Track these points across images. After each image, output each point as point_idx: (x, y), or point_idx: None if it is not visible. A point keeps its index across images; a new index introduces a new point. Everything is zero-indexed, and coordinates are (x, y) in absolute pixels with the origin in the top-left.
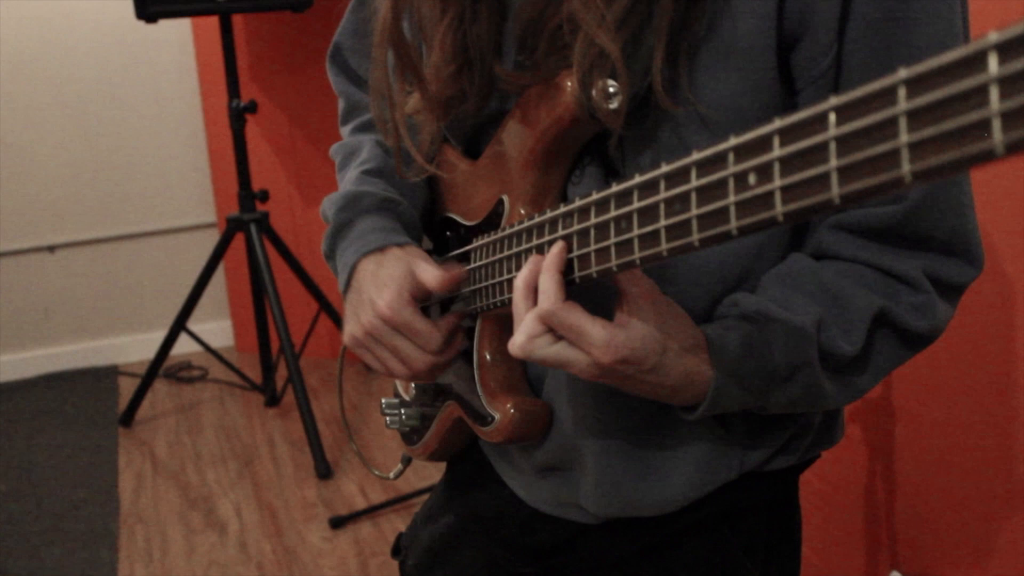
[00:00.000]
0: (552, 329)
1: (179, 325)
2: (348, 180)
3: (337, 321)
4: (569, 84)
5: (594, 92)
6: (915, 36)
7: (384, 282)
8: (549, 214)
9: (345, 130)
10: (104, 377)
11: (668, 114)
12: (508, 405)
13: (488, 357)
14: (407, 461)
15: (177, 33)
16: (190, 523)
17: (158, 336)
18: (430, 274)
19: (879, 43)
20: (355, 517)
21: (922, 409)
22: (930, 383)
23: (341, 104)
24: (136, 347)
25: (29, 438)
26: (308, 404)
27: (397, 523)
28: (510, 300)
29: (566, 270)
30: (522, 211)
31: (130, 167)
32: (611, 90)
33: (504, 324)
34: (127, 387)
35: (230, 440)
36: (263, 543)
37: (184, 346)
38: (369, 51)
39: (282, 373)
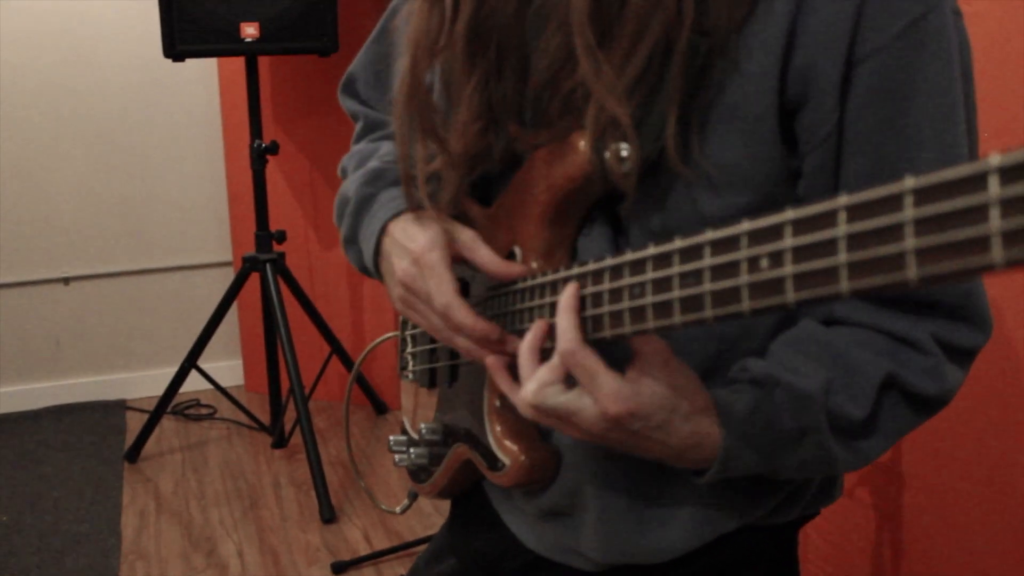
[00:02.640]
0: (561, 381)
1: (190, 362)
2: (367, 170)
3: (347, 364)
4: (582, 144)
5: (607, 155)
6: (915, 109)
7: (418, 233)
8: (562, 272)
9: (360, 143)
10: (112, 411)
11: (676, 176)
12: (518, 451)
13: (498, 403)
14: (413, 497)
15: (202, 72)
16: (191, 562)
17: (168, 372)
18: (486, 254)
19: (882, 112)
20: (358, 563)
21: (930, 475)
22: (939, 448)
23: (358, 124)
24: (145, 383)
25: (34, 470)
26: (315, 447)
27: (400, 570)
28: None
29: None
30: (534, 264)
31: (149, 203)
32: (623, 154)
33: (515, 372)
34: (135, 422)
35: (235, 480)
36: None
37: (193, 384)
38: (382, 83)
39: (290, 415)
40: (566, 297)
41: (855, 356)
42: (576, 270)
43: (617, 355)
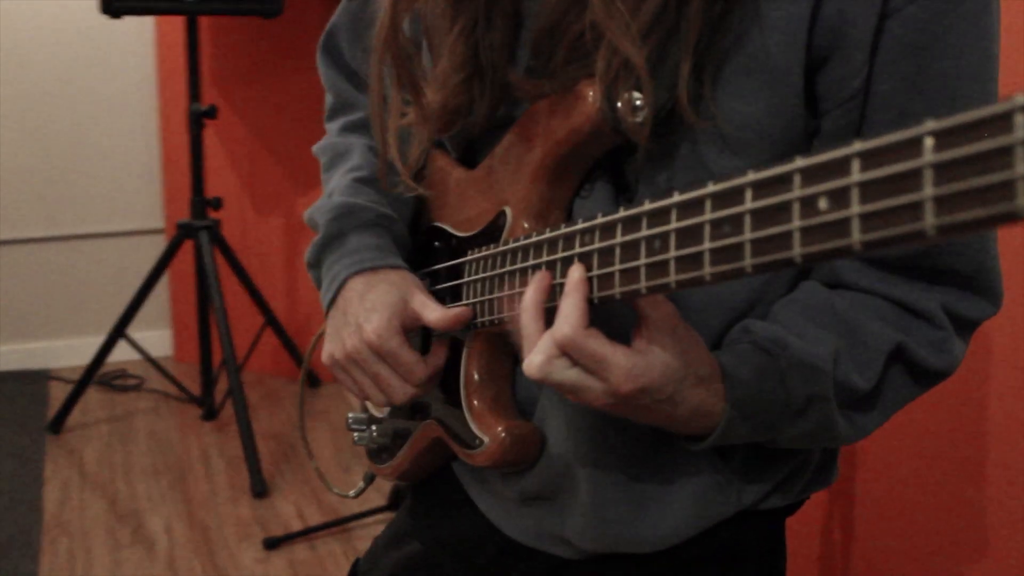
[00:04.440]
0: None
1: (118, 331)
2: (339, 187)
3: (282, 336)
4: (591, 94)
5: (619, 104)
6: (947, 65)
7: (374, 306)
8: (564, 229)
9: (332, 126)
10: (35, 381)
11: (687, 131)
12: (499, 428)
13: (476, 376)
14: (370, 479)
15: (138, 31)
16: (117, 537)
17: (95, 342)
18: (434, 312)
19: (911, 68)
20: (291, 539)
21: (888, 455)
22: (895, 428)
23: (329, 99)
24: (71, 352)
25: None
26: (248, 419)
27: (334, 546)
28: (511, 317)
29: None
30: (525, 224)
31: (78, 166)
32: (637, 103)
33: (495, 342)
34: (59, 392)
35: (163, 453)
36: (193, 562)
37: (120, 354)
38: (365, 43)
39: (221, 387)
40: (574, 281)
41: (863, 324)
42: (580, 225)
43: (614, 318)
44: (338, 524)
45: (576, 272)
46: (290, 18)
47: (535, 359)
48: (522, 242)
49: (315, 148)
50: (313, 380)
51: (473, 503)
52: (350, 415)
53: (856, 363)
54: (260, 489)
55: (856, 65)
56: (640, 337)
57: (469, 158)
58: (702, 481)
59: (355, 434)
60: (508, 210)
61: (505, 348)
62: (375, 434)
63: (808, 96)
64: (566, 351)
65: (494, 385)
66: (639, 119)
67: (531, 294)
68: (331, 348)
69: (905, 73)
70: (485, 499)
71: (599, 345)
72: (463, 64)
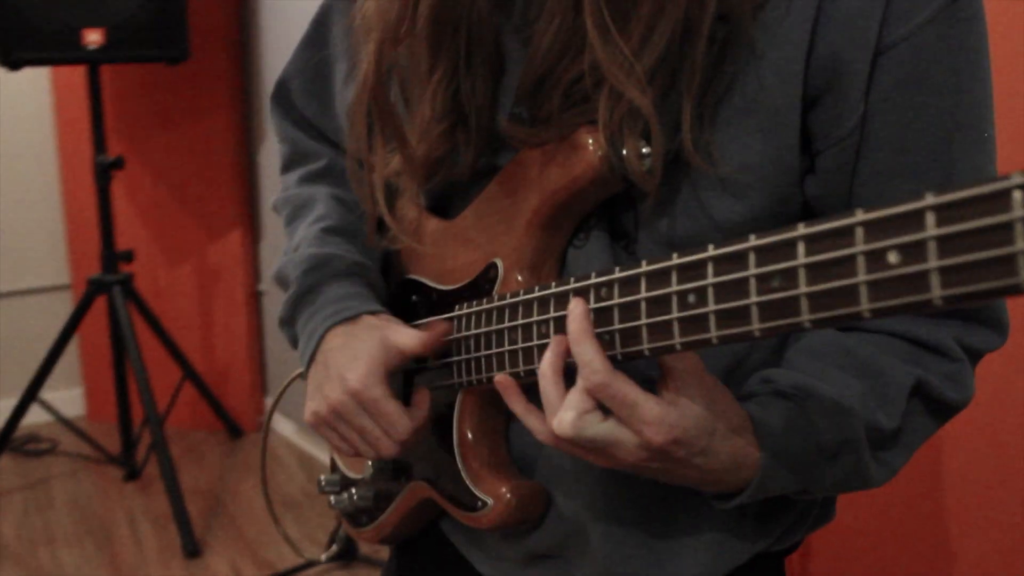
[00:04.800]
0: (597, 407)
1: (31, 394)
2: (306, 239)
3: (201, 388)
4: (591, 142)
5: (625, 151)
6: (944, 101)
7: (356, 355)
8: (574, 283)
9: (290, 178)
10: None
11: (685, 176)
12: (503, 490)
13: (470, 435)
14: (343, 542)
15: (32, 82)
16: None
17: (2, 406)
18: (408, 336)
19: (905, 105)
20: None
21: None
22: None
23: (284, 150)
24: None
25: None
26: (175, 477)
27: None
28: (516, 375)
29: (607, 346)
30: (519, 277)
31: None
32: (644, 150)
33: (489, 399)
34: None
35: (86, 518)
36: None
37: (28, 417)
38: (320, 93)
39: (140, 445)
40: (577, 320)
41: (881, 363)
42: (594, 279)
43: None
44: None
45: (576, 311)
46: (195, 63)
47: (566, 416)
48: (523, 297)
49: (274, 202)
50: (235, 430)
51: (467, 562)
52: (322, 477)
53: (880, 403)
54: (192, 549)
55: (851, 104)
56: (667, 389)
57: (441, 208)
58: (718, 530)
59: (331, 497)
60: (499, 262)
61: (498, 404)
62: (356, 497)
63: (803, 136)
64: (598, 397)
65: (489, 443)
66: (647, 166)
67: (551, 358)
68: (314, 406)
69: (900, 110)
70: (480, 559)
71: (631, 390)
72: (445, 112)
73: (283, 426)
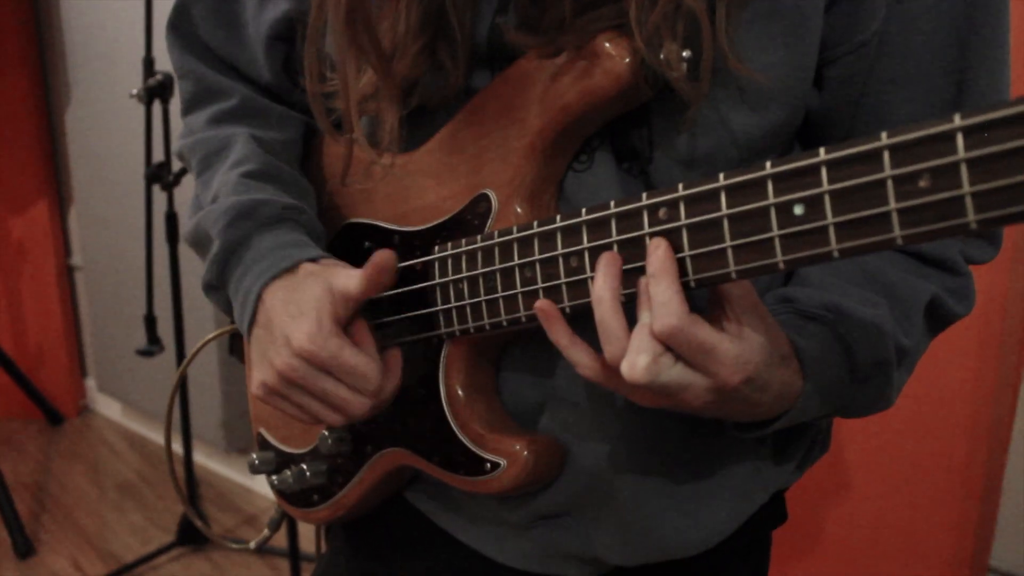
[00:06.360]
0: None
1: None
2: (224, 185)
3: (12, 372)
4: (620, 48)
5: (663, 55)
6: (984, 34)
7: (300, 310)
8: (615, 208)
9: (196, 119)
10: None
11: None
12: (517, 447)
13: (461, 392)
14: (276, 525)
15: None
16: None
17: None
18: (354, 277)
19: (929, 26)
20: None
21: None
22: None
23: (187, 87)
24: None
25: None
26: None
27: None
28: (527, 317)
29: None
30: (519, 209)
31: None
32: (685, 54)
33: (479, 350)
34: None
35: None
36: None
37: None
38: (228, 18)
39: None
40: (662, 260)
41: (896, 280)
42: (646, 200)
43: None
44: (126, 570)
45: (662, 249)
46: None
47: (640, 361)
48: (545, 227)
49: (179, 147)
50: (54, 417)
51: (446, 534)
52: (254, 455)
53: (900, 321)
54: (25, 548)
55: (875, 4)
56: (729, 320)
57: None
58: (740, 470)
59: (274, 477)
60: (492, 193)
61: (487, 354)
62: (308, 474)
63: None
64: (672, 344)
65: (482, 399)
66: (684, 72)
67: (606, 281)
68: (260, 375)
69: (916, 11)
70: (463, 527)
71: (708, 334)
72: (421, 28)
73: (109, 407)
